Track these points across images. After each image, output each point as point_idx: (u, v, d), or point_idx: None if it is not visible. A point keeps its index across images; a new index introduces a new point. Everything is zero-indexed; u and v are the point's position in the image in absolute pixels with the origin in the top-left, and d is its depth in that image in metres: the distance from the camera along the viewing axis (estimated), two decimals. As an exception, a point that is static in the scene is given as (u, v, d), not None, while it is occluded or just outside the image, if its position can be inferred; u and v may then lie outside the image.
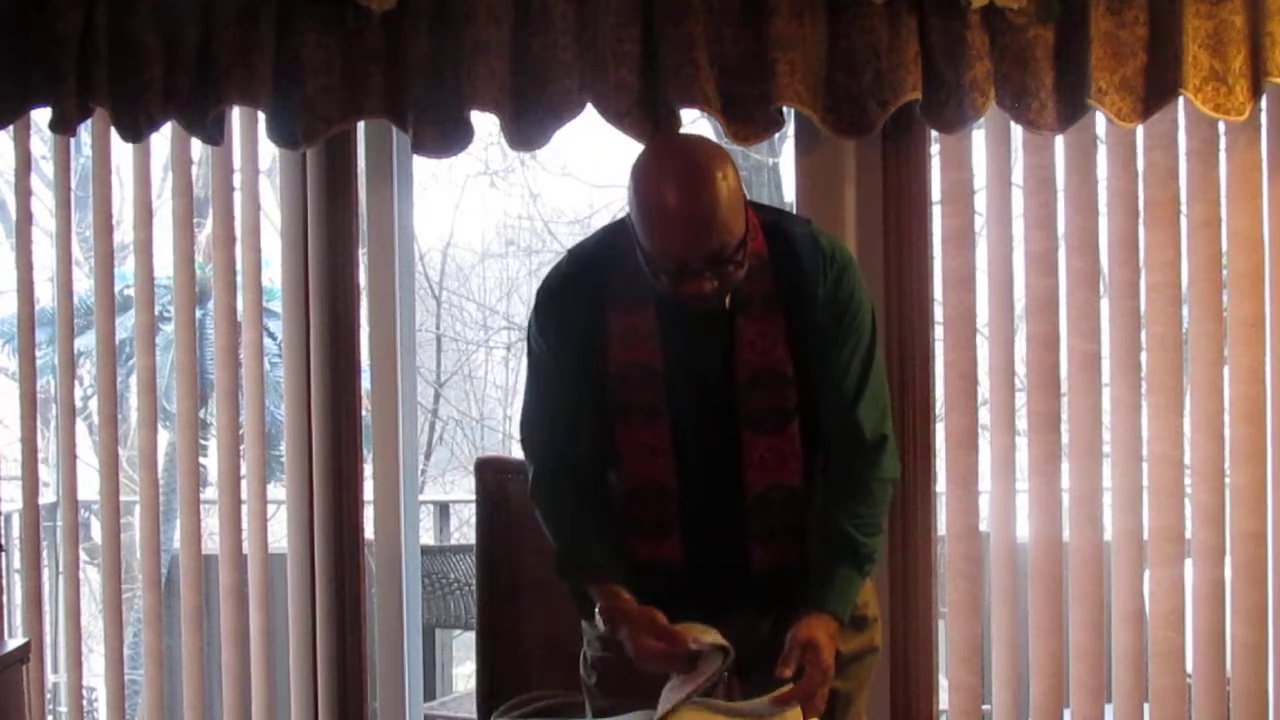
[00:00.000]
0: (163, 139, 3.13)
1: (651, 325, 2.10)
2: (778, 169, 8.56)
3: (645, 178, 1.97)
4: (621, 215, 2.13)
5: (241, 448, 3.25)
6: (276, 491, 3.51)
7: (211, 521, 3.46)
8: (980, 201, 3.15)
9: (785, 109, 2.92)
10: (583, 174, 8.53)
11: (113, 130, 3.04)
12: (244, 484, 3.25)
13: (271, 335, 5.59)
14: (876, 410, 2.14)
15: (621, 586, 2.10)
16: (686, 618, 2.13)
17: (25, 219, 3.26)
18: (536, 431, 2.23)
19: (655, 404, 2.12)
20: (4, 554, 4.08)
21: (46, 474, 5.20)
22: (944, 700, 3.22)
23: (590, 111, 2.90)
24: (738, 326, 2.09)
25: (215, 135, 3.02)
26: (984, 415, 3.15)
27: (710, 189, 1.92)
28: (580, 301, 2.13)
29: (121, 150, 3.15)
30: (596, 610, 2.12)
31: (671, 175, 1.94)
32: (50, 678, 4.07)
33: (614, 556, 2.15)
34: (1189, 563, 3.09)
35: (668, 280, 1.98)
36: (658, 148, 2.05)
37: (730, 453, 2.12)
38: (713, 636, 2.02)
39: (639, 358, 2.11)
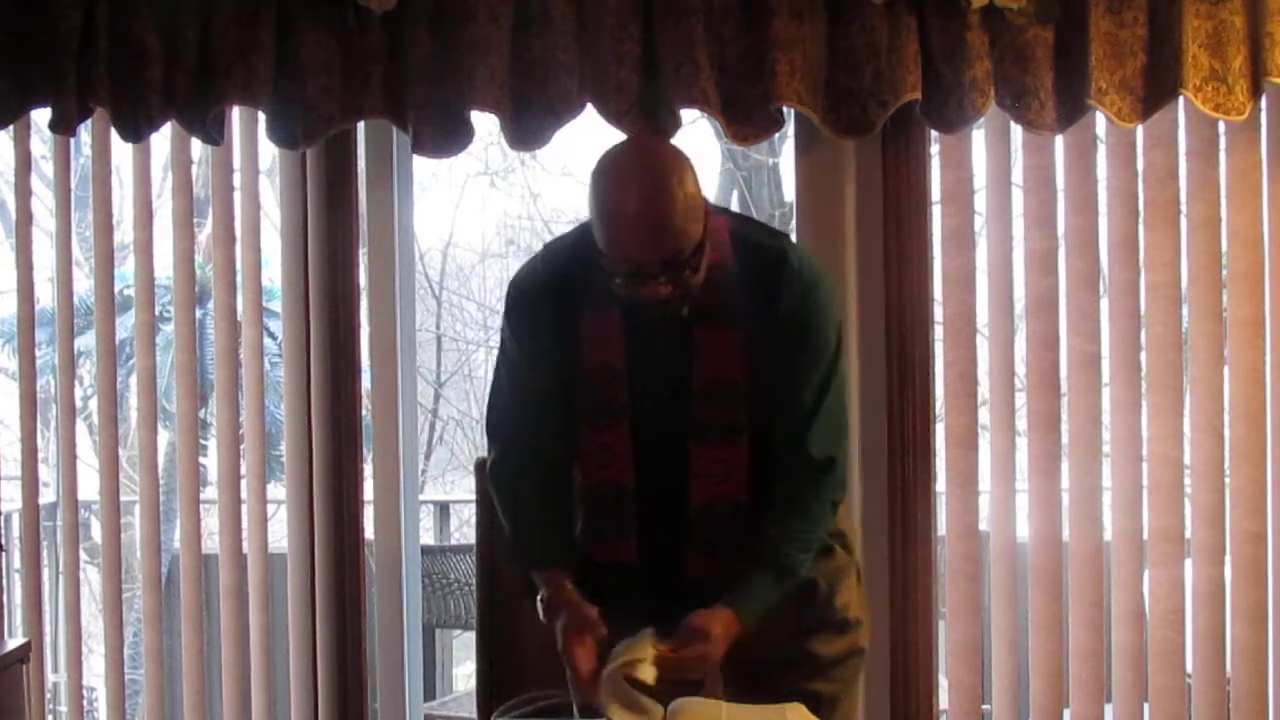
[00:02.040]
0: (163, 139, 3.13)
1: (618, 328, 2.10)
2: (778, 169, 8.56)
3: (602, 180, 1.98)
4: None
5: (241, 448, 3.25)
6: (276, 491, 3.51)
7: (211, 521, 3.45)
8: (980, 201, 3.15)
9: (785, 109, 2.92)
10: (583, 174, 8.53)
11: (113, 130, 3.04)
12: (244, 484, 3.25)
13: (271, 335, 5.58)
14: (830, 431, 2.12)
15: (568, 578, 2.12)
16: (640, 621, 2.14)
17: (25, 219, 3.26)
18: (503, 421, 2.24)
19: (618, 406, 2.13)
20: (4, 554, 4.08)
21: (46, 474, 5.18)
22: (944, 700, 3.22)
23: (590, 111, 2.90)
24: (696, 336, 2.08)
25: (215, 135, 3.02)
26: (984, 415, 3.15)
27: (665, 193, 1.92)
28: (552, 300, 2.14)
29: (121, 150, 3.16)
30: (538, 598, 2.14)
31: (627, 178, 1.95)
32: (50, 677, 4.06)
33: (565, 547, 2.17)
34: (1189, 563, 3.09)
35: (623, 283, 1.99)
36: (616, 151, 2.03)
37: (683, 461, 2.12)
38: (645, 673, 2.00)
39: (605, 359, 2.12)
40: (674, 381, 2.11)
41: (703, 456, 2.11)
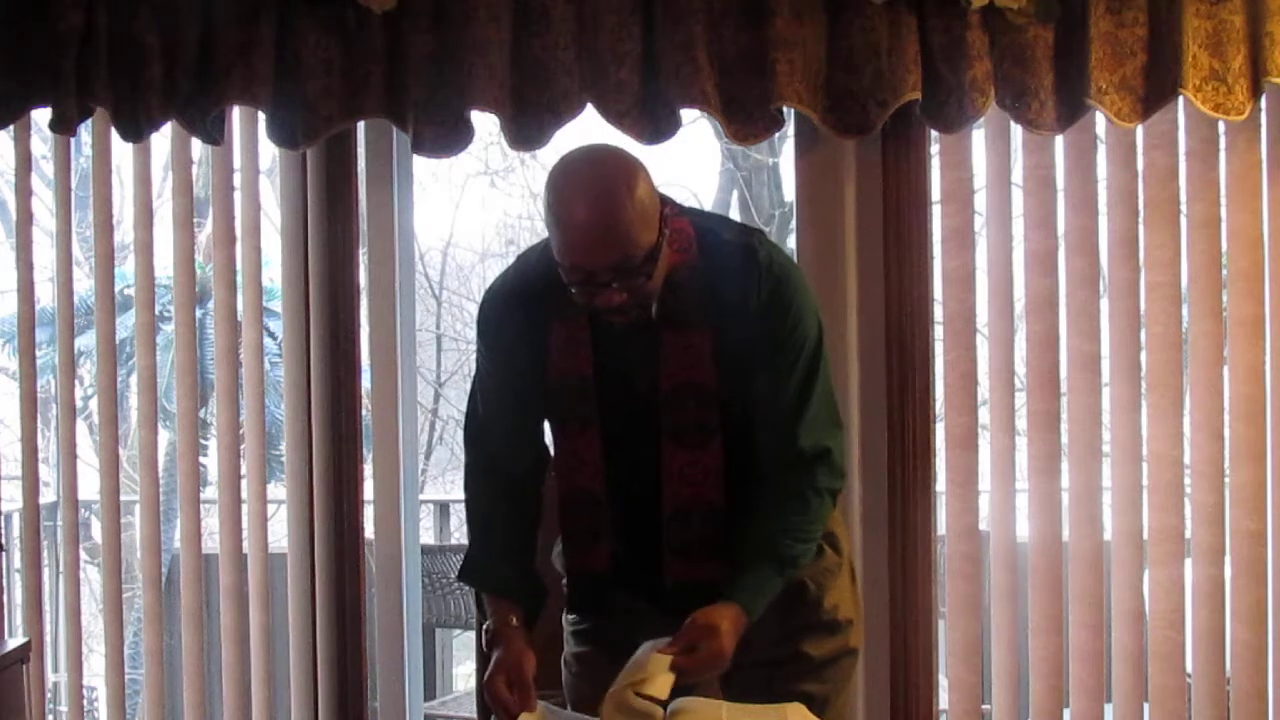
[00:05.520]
0: (163, 139, 3.12)
1: (585, 335, 2.10)
2: (778, 169, 8.57)
3: (552, 189, 1.97)
4: None
5: (241, 448, 3.25)
6: (276, 491, 3.51)
7: (211, 521, 3.46)
8: (980, 201, 3.15)
9: (785, 109, 2.92)
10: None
11: (113, 130, 3.04)
12: (244, 484, 3.25)
13: (271, 335, 5.59)
14: (821, 421, 2.12)
15: (516, 607, 2.14)
16: (617, 626, 2.17)
17: (25, 219, 3.27)
18: (475, 428, 2.25)
19: (587, 413, 2.13)
20: (4, 554, 4.08)
21: (47, 474, 5.20)
22: (944, 700, 3.22)
23: (590, 111, 2.90)
24: (662, 339, 2.08)
25: (215, 135, 3.02)
26: (984, 415, 3.15)
27: (612, 200, 1.92)
28: (523, 310, 2.14)
29: (121, 150, 3.16)
30: (485, 626, 2.16)
31: (575, 186, 1.94)
32: (50, 677, 4.07)
33: (519, 577, 2.18)
34: (1189, 563, 3.09)
35: (577, 290, 1.99)
36: (567, 159, 2.01)
37: (655, 464, 2.12)
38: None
39: (573, 367, 2.12)
40: (644, 386, 2.10)
41: (675, 459, 2.10)
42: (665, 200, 2.03)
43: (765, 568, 2.06)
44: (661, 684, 1.93)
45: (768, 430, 2.12)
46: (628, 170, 1.96)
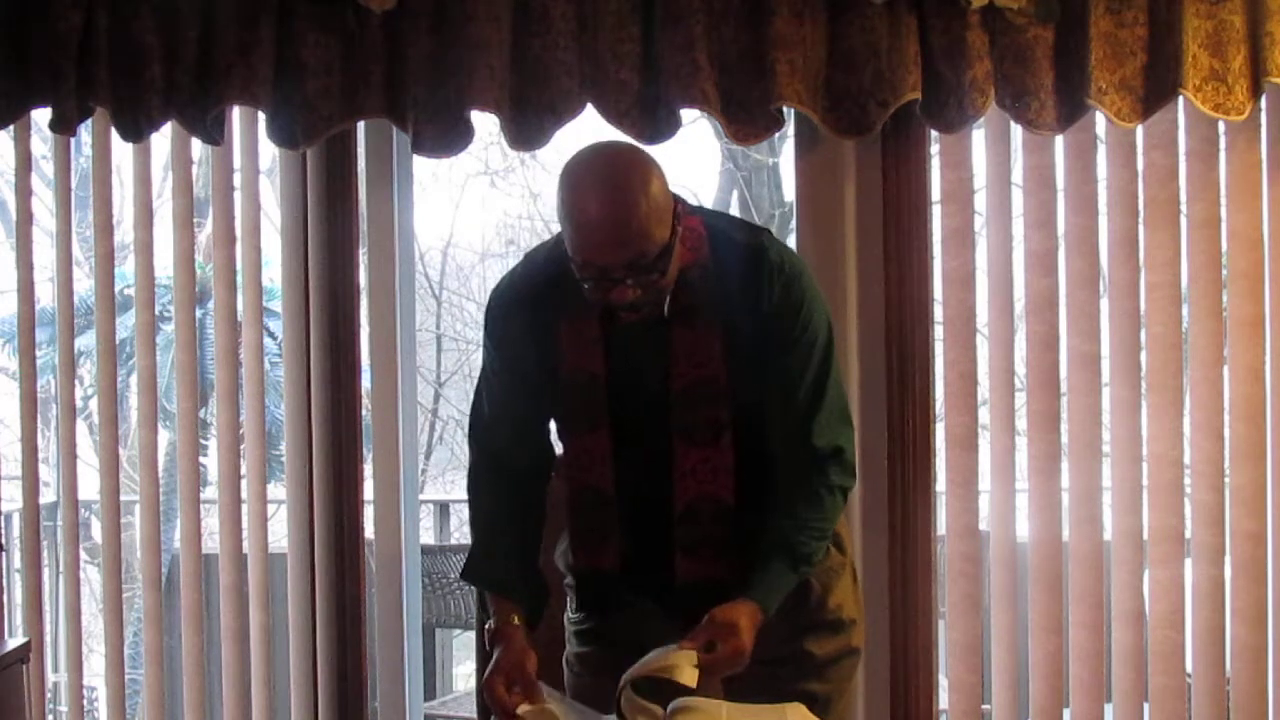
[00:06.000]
0: (163, 139, 3.12)
1: (596, 333, 2.10)
2: (778, 169, 8.57)
3: (566, 185, 1.97)
4: None
5: (241, 448, 3.25)
6: (276, 491, 3.52)
7: (211, 521, 3.46)
8: (980, 201, 3.15)
9: (785, 109, 2.92)
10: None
11: (113, 130, 3.04)
12: (244, 484, 3.25)
13: (271, 335, 5.59)
14: (832, 422, 2.13)
15: (518, 606, 2.15)
16: (622, 625, 2.17)
17: (25, 219, 3.27)
18: (480, 426, 2.26)
19: (597, 411, 2.13)
20: (4, 554, 4.08)
21: (47, 474, 5.20)
22: (944, 700, 3.22)
23: (590, 111, 2.90)
24: (673, 336, 2.08)
25: (215, 135, 3.02)
26: (984, 415, 3.15)
27: (626, 197, 1.92)
28: (531, 309, 2.15)
29: (121, 150, 3.16)
30: (486, 625, 2.17)
31: (589, 183, 1.94)
32: (50, 677, 4.07)
33: (521, 577, 2.19)
34: (1189, 563, 3.09)
35: (590, 287, 1.99)
36: (581, 155, 2.01)
37: (665, 462, 2.12)
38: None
39: (583, 365, 2.12)
40: (655, 384, 2.11)
41: (687, 456, 2.11)
42: (676, 198, 2.03)
43: (781, 564, 2.07)
44: (690, 674, 1.94)
45: (781, 429, 2.12)
46: (642, 167, 1.96)
